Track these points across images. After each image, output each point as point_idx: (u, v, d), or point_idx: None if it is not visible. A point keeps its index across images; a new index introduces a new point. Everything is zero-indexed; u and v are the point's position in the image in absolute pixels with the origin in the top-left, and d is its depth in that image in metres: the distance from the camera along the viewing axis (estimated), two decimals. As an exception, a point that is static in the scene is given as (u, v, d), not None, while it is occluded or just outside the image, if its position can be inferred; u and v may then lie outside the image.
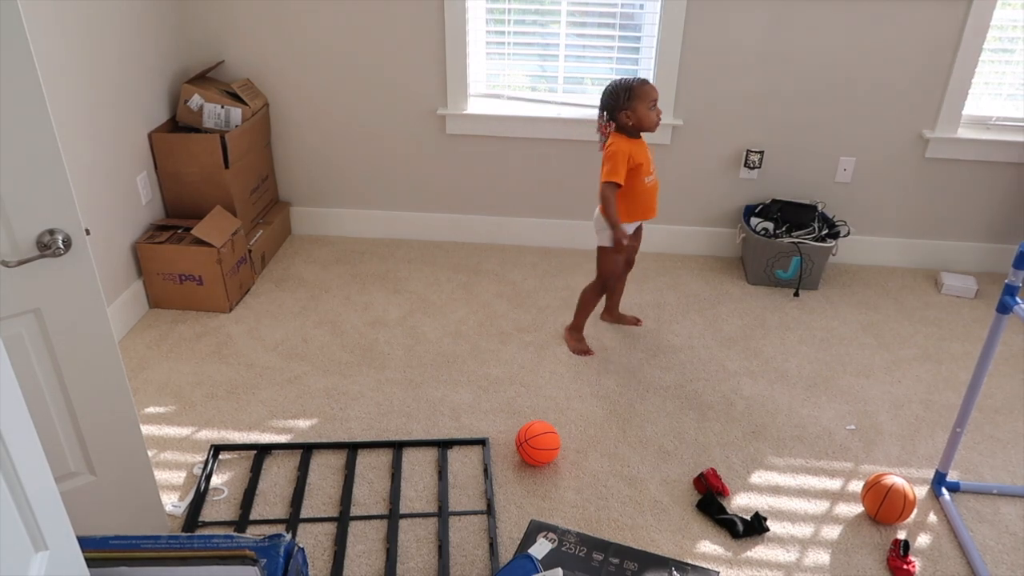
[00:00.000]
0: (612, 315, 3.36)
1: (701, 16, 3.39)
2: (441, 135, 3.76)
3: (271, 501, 2.43)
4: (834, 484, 2.55)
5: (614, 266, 3.05)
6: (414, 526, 2.34)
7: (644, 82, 2.78)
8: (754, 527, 2.34)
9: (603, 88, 2.82)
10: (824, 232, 3.58)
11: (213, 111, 3.38)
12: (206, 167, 3.35)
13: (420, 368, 3.04)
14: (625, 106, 2.76)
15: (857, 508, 2.45)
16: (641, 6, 3.47)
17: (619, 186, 2.79)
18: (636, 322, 3.36)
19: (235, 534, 1.78)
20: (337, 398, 2.87)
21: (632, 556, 2.09)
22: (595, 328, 3.31)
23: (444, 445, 2.65)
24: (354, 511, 2.39)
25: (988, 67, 3.45)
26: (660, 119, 2.82)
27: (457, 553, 2.26)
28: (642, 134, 2.84)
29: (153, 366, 3.01)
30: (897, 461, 2.65)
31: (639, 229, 3.10)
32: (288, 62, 3.64)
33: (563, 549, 2.10)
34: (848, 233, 3.72)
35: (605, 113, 2.82)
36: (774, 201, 3.72)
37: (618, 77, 2.84)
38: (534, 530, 2.17)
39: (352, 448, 2.62)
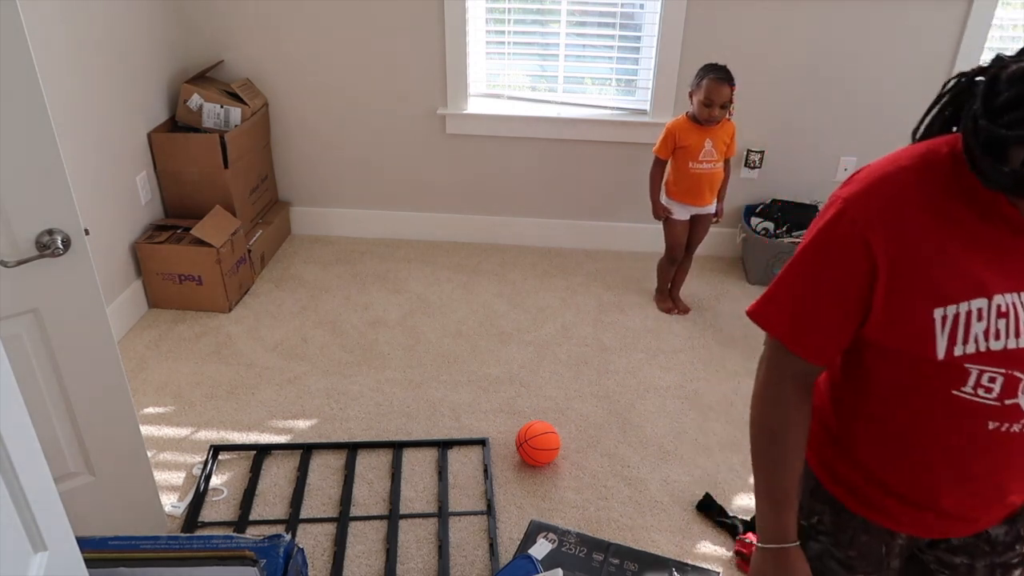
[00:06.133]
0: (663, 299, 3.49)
1: (701, 16, 3.39)
2: (441, 135, 3.76)
3: (271, 501, 2.43)
4: (834, 484, 2.54)
5: (667, 238, 3.33)
6: (414, 526, 2.34)
7: (716, 77, 2.94)
8: (754, 528, 2.34)
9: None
10: (824, 232, 3.57)
11: (212, 111, 3.38)
12: (205, 167, 3.34)
13: (420, 368, 3.04)
14: (693, 90, 3.02)
15: (857, 508, 2.45)
16: (641, 6, 3.47)
17: (659, 160, 3.13)
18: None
19: (234, 535, 1.78)
20: (337, 398, 2.86)
21: (632, 556, 2.09)
22: (594, 328, 3.31)
23: (444, 445, 2.64)
24: (354, 511, 2.39)
25: (988, 67, 3.45)
26: (717, 118, 3.01)
27: (457, 553, 2.25)
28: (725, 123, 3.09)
29: (152, 366, 3.01)
30: (897, 461, 2.65)
31: (697, 217, 3.28)
32: (288, 62, 3.63)
33: (563, 549, 2.10)
34: (848, 233, 3.71)
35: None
36: (774, 201, 3.72)
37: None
38: (534, 530, 2.16)
39: (352, 448, 2.62)
